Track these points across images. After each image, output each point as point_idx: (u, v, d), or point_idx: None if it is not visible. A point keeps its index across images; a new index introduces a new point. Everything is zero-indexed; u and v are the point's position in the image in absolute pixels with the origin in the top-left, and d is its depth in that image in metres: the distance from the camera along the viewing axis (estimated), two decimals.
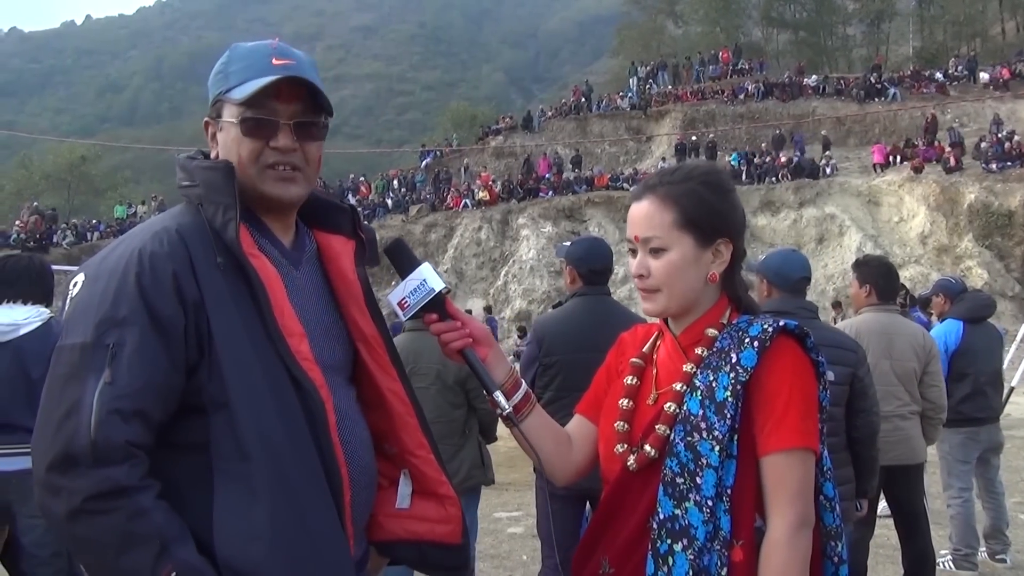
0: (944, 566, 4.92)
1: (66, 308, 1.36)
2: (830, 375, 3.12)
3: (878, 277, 4.16)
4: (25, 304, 3.50)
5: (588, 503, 3.63)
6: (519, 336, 21.59)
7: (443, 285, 1.53)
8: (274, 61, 1.42)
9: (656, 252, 1.53)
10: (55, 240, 32.11)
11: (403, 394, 1.57)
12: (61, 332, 1.34)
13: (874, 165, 27.73)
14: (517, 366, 2.66)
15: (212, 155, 1.47)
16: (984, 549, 5.06)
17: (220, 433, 1.29)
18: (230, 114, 1.43)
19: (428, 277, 1.52)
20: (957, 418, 4.76)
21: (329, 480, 1.37)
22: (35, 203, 36.10)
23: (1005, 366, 5.54)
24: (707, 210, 1.53)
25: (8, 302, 3.55)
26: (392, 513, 1.57)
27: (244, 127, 1.41)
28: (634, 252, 1.57)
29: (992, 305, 5.12)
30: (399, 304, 1.53)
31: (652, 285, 1.54)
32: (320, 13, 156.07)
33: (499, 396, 1.56)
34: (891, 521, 4.42)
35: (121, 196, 44.96)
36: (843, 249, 25.37)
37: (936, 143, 27.47)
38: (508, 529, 6.44)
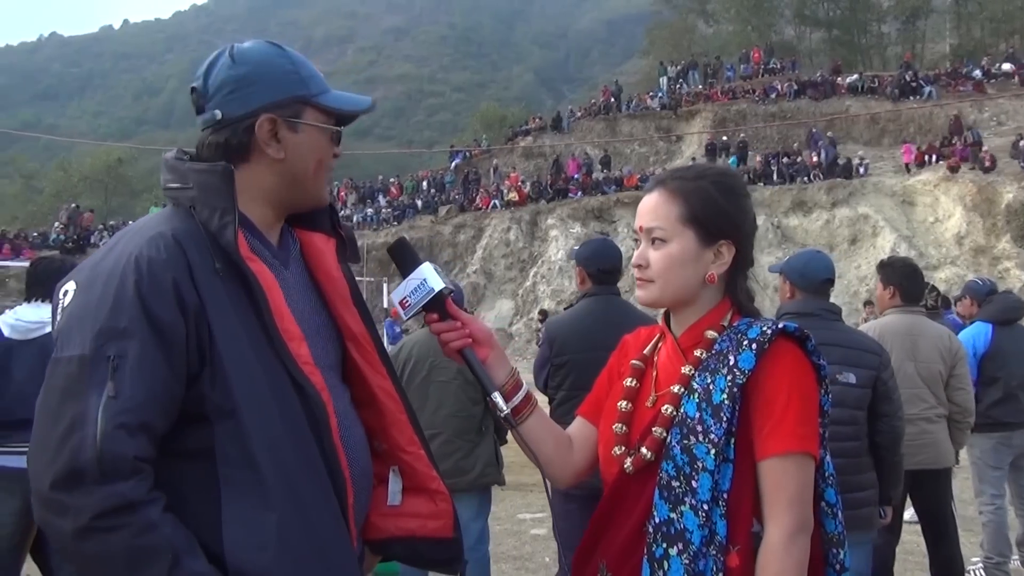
0: (975, 574, 4.82)
1: (58, 318, 1.31)
2: (851, 377, 3.10)
3: (902, 279, 4.09)
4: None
5: None
6: (540, 320, 21.63)
7: (443, 285, 1.53)
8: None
9: (657, 243, 1.53)
10: (92, 241, 32.73)
11: (393, 391, 1.56)
12: (55, 344, 1.28)
13: (905, 164, 27.29)
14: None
15: (273, 154, 1.42)
16: (1016, 557, 4.94)
17: (226, 441, 1.27)
18: (317, 119, 1.45)
19: (428, 277, 1.52)
20: (988, 423, 4.65)
21: (333, 484, 1.36)
22: (73, 204, 36.83)
23: None
24: (713, 209, 1.52)
25: (37, 300, 3.66)
26: (384, 511, 1.57)
27: (337, 136, 1.49)
28: (639, 243, 1.58)
29: (1022, 307, 5.00)
30: (400, 303, 1.54)
31: (648, 275, 1.54)
32: (352, 16, 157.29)
33: (497, 397, 1.55)
34: (919, 527, 4.33)
35: (156, 197, 45.62)
36: (877, 250, 24.95)
37: (972, 141, 26.92)
38: (531, 531, 6.43)
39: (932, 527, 4.18)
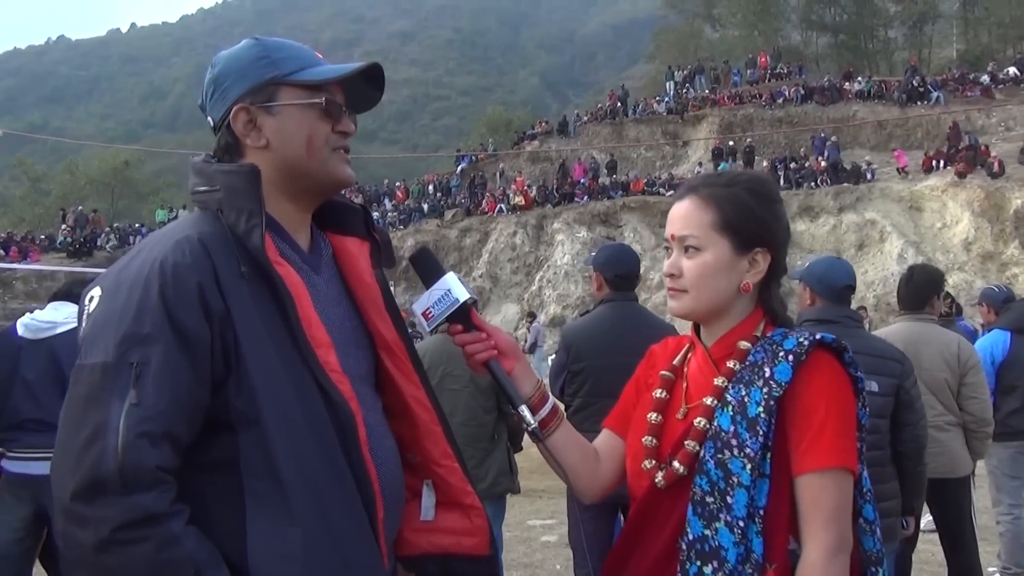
0: None
1: (83, 325, 1.29)
2: (873, 386, 3.06)
3: (900, 285, 4.06)
4: (74, 305, 3.61)
5: (620, 511, 3.58)
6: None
7: (468, 295, 1.48)
8: (317, 55, 1.46)
9: (690, 252, 1.48)
10: (99, 243, 32.79)
11: (427, 401, 1.51)
12: (79, 350, 1.26)
13: (899, 169, 27.31)
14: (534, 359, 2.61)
15: (254, 144, 1.39)
16: None
17: (250, 451, 1.23)
18: (296, 97, 1.39)
19: (453, 287, 1.48)
20: (1006, 431, 4.59)
21: (362, 497, 1.32)
22: (79, 207, 36.92)
23: None
24: (748, 216, 1.48)
25: (59, 301, 3.66)
26: (417, 527, 1.51)
27: (328, 107, 1.40)
28: (670, 252, 1.53)
29: None
30: (423, 314, 1.50)
31: (682, 285, 1.49)
32: (359, 19, 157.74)
33: (525, 411, 1.51)
34: (935, 535, 4.28)
35: (163, 200, 45.74)
36: (884, 256, 24.88)
37: (982, 147, 26.84)
38: (542, 537, 6.39)
39: (950, 537, 4.12)
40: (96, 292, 1.30)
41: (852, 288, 3.36)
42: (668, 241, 1.53)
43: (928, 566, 4.99)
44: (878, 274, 24.42)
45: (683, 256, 1.50)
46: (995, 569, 4.81)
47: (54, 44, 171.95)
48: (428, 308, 1.49)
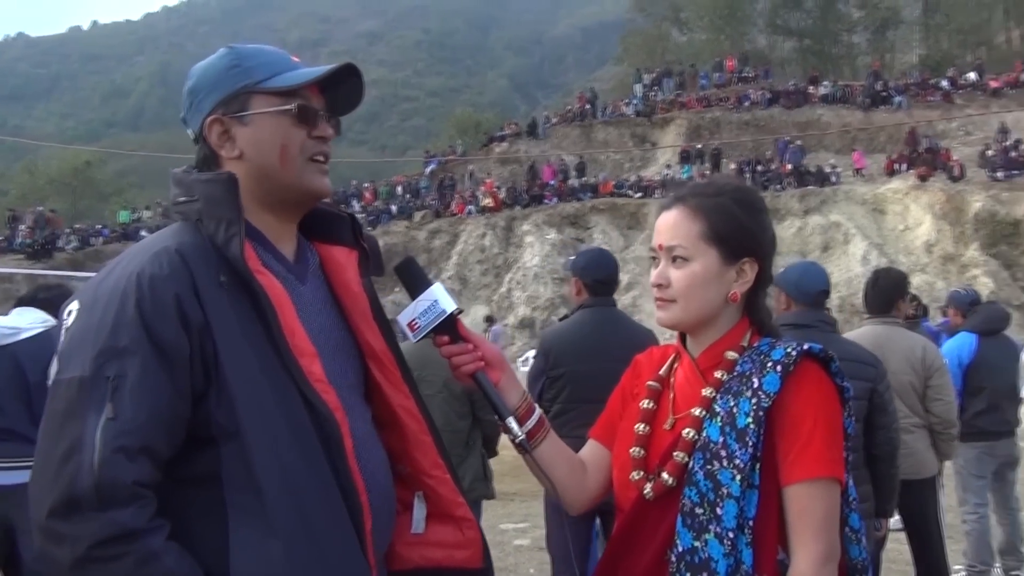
0: None
1: (62, 339, 1.26)
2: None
3: (866, 289, 4.11)
4: (39, 311, 3.53)
5: (598, 518, 3.57)
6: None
7: (455, 306, 1.47)
8: (293, 59, 1.42)
9: (678, 262, 1.48)
10: (59, 245, 32.14)
11: (416, 411, 1.49)
12: (57, 365, 1.24)
13: (857, 170, 27.86)
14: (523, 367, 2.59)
15: (228, 155, 1.37)
16: (999, 565, 4.98)
17: (232, 464, 1.22)
18: (268, 104, 1.36)
19: (440, 298, 1.46)
20: (972, 432, 4.68)
21: (349, 509, 1.29)
22: (39, 208, 36.16)
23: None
24: (736, 226, 1.48)
25: (23, 306, 3.58)
26: (408, 540, 1.48)
27: (300, 114, 1.36)
28: (657, 262, 1.52)
29: (1006, 317, 5.04)
30: (409, 325, 1.47)
31: (670, 295, 1.49)
32: (326, 19, 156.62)
33: (512, 422, 1.50)
34: (903, 535, 4.34)
35: (126, 201, 44.99)
36: (848, 257, 25.27)
37: (943, 151, 27.41)
38: (514, 541, 6.37)
39: (917, 537, 4.18)
40: (74, 306, 1.28)
41: (827, 293, 3.39)
42: (655, 251, 1.52)
43: (896, 565, 5.05)
44: (842, 276, 24.77)
45: (671, 266, 1.49)
46: (961, 567, 4.89)
47: (13, 41, 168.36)
48: (414, 319, 1.47)
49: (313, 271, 1.47)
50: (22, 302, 3.65)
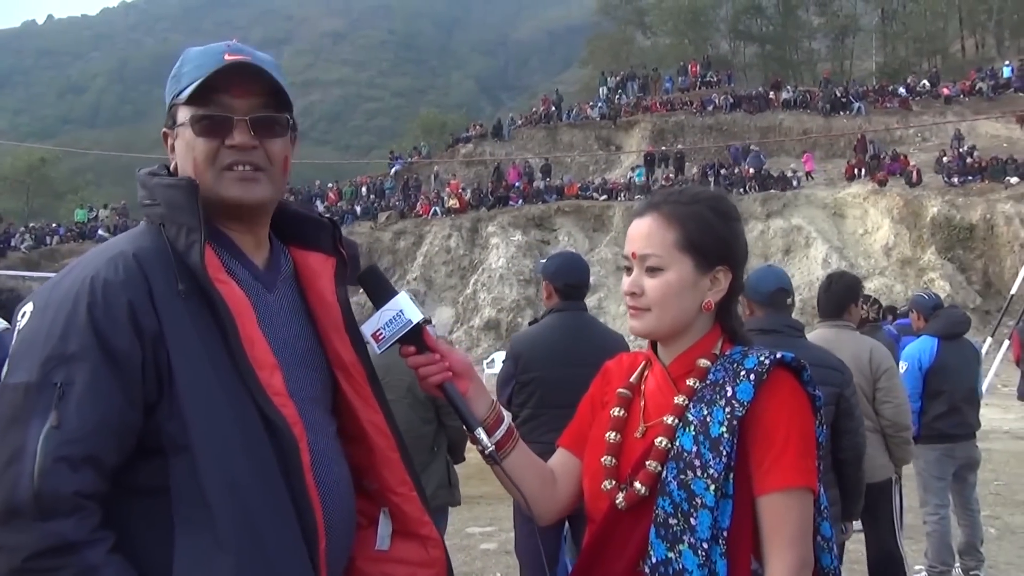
0: None
1: (13, 341, 1.23)
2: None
3: (820, 293, 4.13)
4: None
5: (567, 522, 3.53)
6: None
7: (422, 316, 1.42)
8: (227, 56, 1.32)
9: (652, 271, 1.45)
10: (13, 244, 31.37)
11: (385, 427, 1.45)
12: (5, 368, 1.21)
13: (807, 173, 28.49)
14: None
15: (171, 167, 1.36)
16: (959, 565, 5.05)
17: (181, 478, 1.18)
18: (183, 116, 1.32)
19: (405, 308, 1.42)
20: (933, 435, 4.74)
21: (302, 528, 1.25)
22: None
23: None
24: (711, 235, 1.46)
25: None
26: (371, 556, 1.44)
27: (196, 126, 1.30)
28: (629, 270, 1.49)
29: (967, 321, 5.12)
30: (373, 336, 1.43)
31: (644, 304, 1.46)
32: (289, 18, 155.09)
33: (481, 433, 1.46)
34: (863, 535, 4.37)
35: (82, 199, 44.06)
36: (809, 260, 25.67)
37: (900, 157, 27.98)
38: (481, 545, 6.32)
39: (872, 539, 4.19)
40: (28, 308, 1.25)
41: (785, 291, 3.38)
42: (628, 259, 1.49)
43: (859, 566, 5.10)
44: (804, 278, 25.14)
45: (644, 275, 1.46)
46: (922, 567, 4.95)
47: None
48: (378, 330, 1.42)
49: (284, 278, 1.43)
50: None
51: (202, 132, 1.30)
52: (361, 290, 1.47)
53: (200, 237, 1.25)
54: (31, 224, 35.91)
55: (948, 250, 24.85)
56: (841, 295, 4.07)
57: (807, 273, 25.10)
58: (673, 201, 1.48)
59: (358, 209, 32.63)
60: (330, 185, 35.99)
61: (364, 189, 34.79)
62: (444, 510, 3.97)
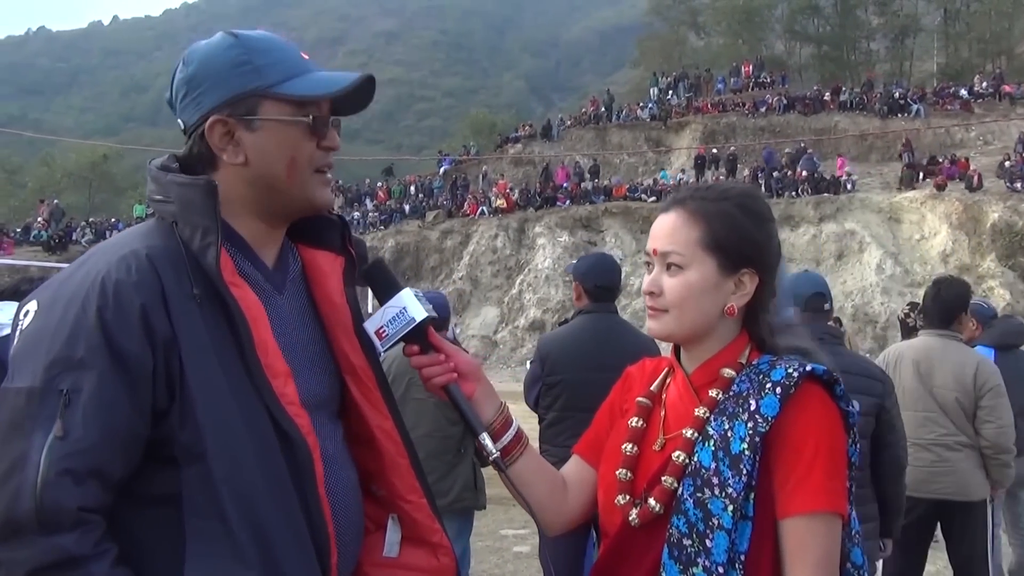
0: None
1: (15, 341, 1.18)
2: (854, 405, 2.97)
3: (926, 299, 3.96)
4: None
5: (593, 530, 3.47)
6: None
7: (425, 314, 1.36)
8: (304, 56, 1.32)
9: (673, 269, 1.37)
10: (74, 238, 32.32)
11: (394, 432, 1.39)
12: (9, 370, 1.15)
13: (836, 177, 27.70)
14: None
15: (231, 159, 1.27)
16: None
17: (193, 487, 1.14)
18: (280, 112, 1.26)
19: (409, 305, 1.36)
20: None
21: (314, 539, 1.21)
22: (55, 201, 36.39)
23: None
24: (738, 235, 1.37)
25: (4, 300, 3.48)
26: (379, 562, 1.39)
27: (315, 126, 1.28)
28: (651, 267, 1.41)
29: (1023, 332, 4.89)
30: (376, 333, 1.37)
31: (662, 304, 1.38)
32: (344, 18, 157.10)
33: (485, 438, 1.40)
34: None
35: (141, 195, 45.13)
36: (863, 266, 25.05)
37: (960, 160, 27.12)
38: (514, 548, 6.28)
39: (959, 565, 3.97)
40: (32, 306, 1.19)
41: (822, 296, 3.27)
42: (650, 256, 1.41)
43: None
44: (856, 284, 24.56)
45: (665, 273, 1.38)
46: None
47: (34, 35, 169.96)
48: (382, 327, 1.37)
49: (293, 279, 1.38)
50: (3, 296, 3.55)
51: (316, 133, 1.28)
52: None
53: (216, 240, 1.20)
54: (92, 219, 36.94)
55: (1009, 257, 23.97)
56: (950, 303, 3.90)
57: (860, 279, 24.50)
58: (700, 197, 1.40)
59: (407, 208, 32.86)
60: (379, 184, 36.31)
61: (412, 188, 35.02)
62: (469, 513, 3.93)
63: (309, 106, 1.28)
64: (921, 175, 26.89)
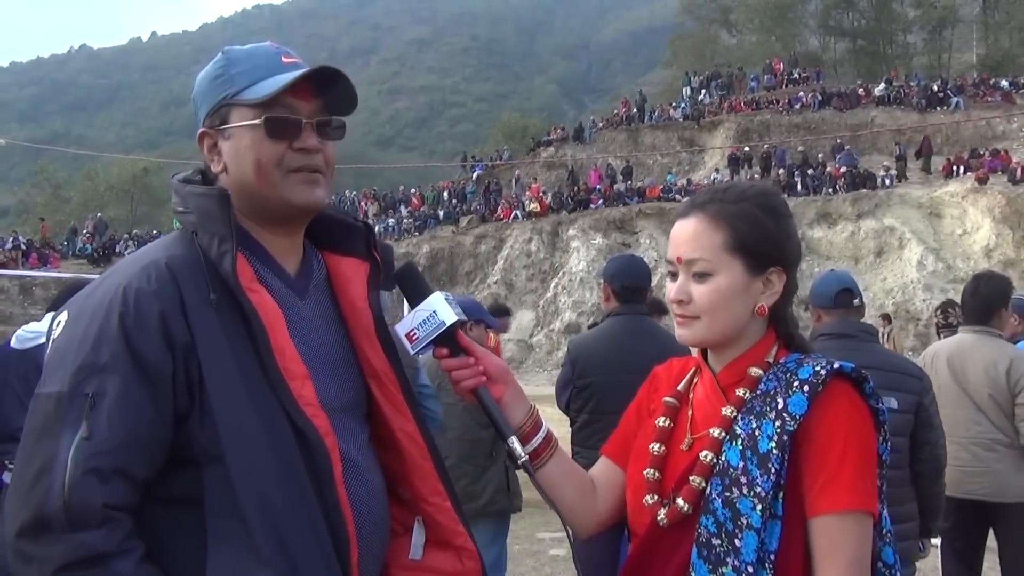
0: None
1: (48, 350, 1.25)
2: (892, 403, 2.93)
3: (965, 296, 3.87)
4: None
5: (626, 530, 3.46)
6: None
7: (455, 317, 1.38)
8: (284, 59, 1.34)
9: (700, 277, 1.36)
10: (118, 250, 33.05)
11: (417, 436, 1.42)
12: (41, 377, 1.22)
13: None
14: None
15: (215, 169, 1.35)
16: None
17: (214, 488, 1.18)
18: (243, 117, 1.31)
19: (439, 308, 1.38)
20: None
21: (333, 539, 1.24)
22: (99, 214, 37.22)
23: None
24: (762, 234, 1.36)
25: (52, 311, 3.63)
26: (405, 565, 1.42)
27: (269, 127, 1.29)
28: (674, 276, 1.40)
29: None
30: (407, 336, 1.40)
31: (693, 312, 1.37)
32: (376, 27, 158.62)
33: (514, 442, 1.41)
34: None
35: None
36: (903, 263, 24.58)
37: (1001, 152, 26.51)
38: (551, 551, 6.28)
39: (1006, 566, 3.81)
40: (63, 317, 1.26)
41: (850, 292, 3.22)
42: (674, 264, 1.40)
43: None
44: (897, 281, 24.11)
45: (692, 281, 1.37)
46: None
47: (76, 53, 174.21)
48: (412, 330, 1.39)
49: (317, 285, 1.41)
50: (52, 307, 3.71)
51: (275, 134, 1.30)
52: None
53: (232, 247, 1.24)
54: (134, 231, 37.73)
55: None
56: (989, 299, 3.81)
57: (900, 276, 24.05)
58: (719, 200, 1.39)
59: (440, 213, 33.01)
60: (413, 190, 36.55)
61: (446, 194, 35.18)
62: (505, 516, 3.93)
63: (271, 107, 1.29)
64: (961, 168, 26.31)
